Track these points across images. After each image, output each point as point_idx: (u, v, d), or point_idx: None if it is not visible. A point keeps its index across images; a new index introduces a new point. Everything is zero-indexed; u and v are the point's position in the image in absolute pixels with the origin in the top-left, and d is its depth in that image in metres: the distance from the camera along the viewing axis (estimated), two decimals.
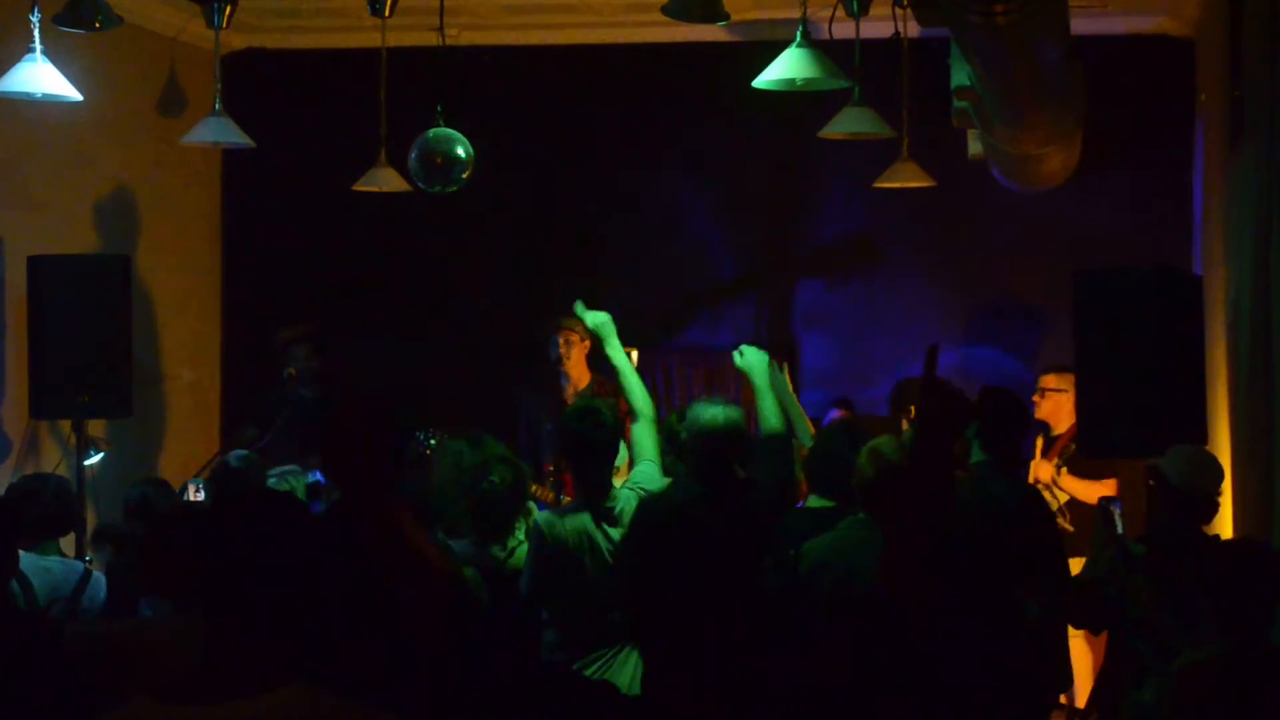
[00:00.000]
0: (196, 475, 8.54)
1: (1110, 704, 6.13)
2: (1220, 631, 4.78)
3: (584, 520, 5.95)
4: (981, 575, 5.59)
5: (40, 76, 7.18)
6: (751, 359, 6.68)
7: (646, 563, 5.81)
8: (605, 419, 6.02)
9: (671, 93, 10.65)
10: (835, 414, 9.40)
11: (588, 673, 5.82)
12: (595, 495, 5.99)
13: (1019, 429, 7.06)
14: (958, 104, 7.81)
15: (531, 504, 6.85)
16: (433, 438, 8.42)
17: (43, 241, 8.67)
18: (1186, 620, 5.48)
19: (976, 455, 6.97)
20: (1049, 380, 8.97)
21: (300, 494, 6.90)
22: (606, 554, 5.91)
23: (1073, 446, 8.62)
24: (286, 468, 7.18)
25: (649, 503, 5.95)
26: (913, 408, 9.31)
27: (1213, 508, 5.93)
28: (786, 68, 7.14)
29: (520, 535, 6.33)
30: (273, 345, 9.18)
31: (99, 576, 6.35)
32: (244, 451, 6.53)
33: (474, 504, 6.25)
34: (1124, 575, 5.85)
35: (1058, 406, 8.85)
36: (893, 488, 5.71)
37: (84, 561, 6.80)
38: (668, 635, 4.50)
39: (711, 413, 5.95)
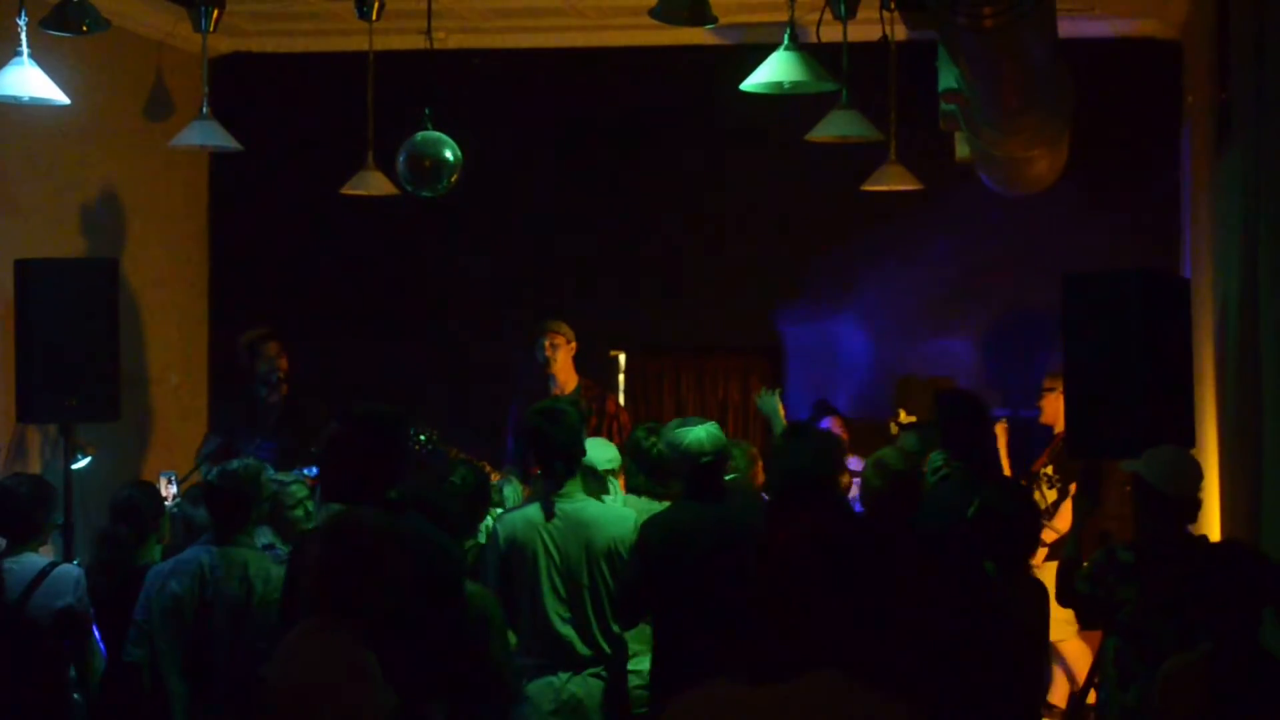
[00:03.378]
0: (184, 477, 8.54)
1: (1097, 706, 6.13)
2: (1208, 634, 4.78)
3: (532, 511, 6.08)
4: (974, 576, 5.62)
5: (27, 80, 7.17)
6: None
7: (662, 579, 5.87)
8: (569, 419, 6.08)
9: (659, 96, 10.64)
10: (827, 423, 9.39)
11: (528, 688, 5.92)
12: (551, 489, 6.08)
13: (980, 429, 7.04)
14: (945, 107, 7.81)
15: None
16: (422, 434, 8.44)
17: (30, 245, 8.65)
18: (1175, 624, 5.49)
19: (933, 464, 6.96)
20: (1046, 382, 8.99)
21: (304, 498, 6.86)
22: (554, 549, 6.00)
23: (1061, 446, 8.65)
24: (288, 475, 7.15)
25: (653, 524, 5.99)
26: (901, 411, 9.34)
27: (1195, 507, 5.93)
28: (774, 70, 7.14)
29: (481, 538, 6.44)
30: (236, 349, 9.15)
31: (63, 572, 6.29)
32: (237, 464, 6.48)
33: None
34: (1111, 581, 5.85)
35: (1050, 406, 8.88)
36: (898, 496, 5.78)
37: (73, 563, 6.78)
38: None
39: (695, 434, 5.98)
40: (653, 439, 6.57)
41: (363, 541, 4.40)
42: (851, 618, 2.79)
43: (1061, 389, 8.71)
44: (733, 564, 5.53)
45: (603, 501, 6.31)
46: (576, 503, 6.07)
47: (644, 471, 6.68)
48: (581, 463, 6.20)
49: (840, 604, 2.78)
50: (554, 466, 6.09)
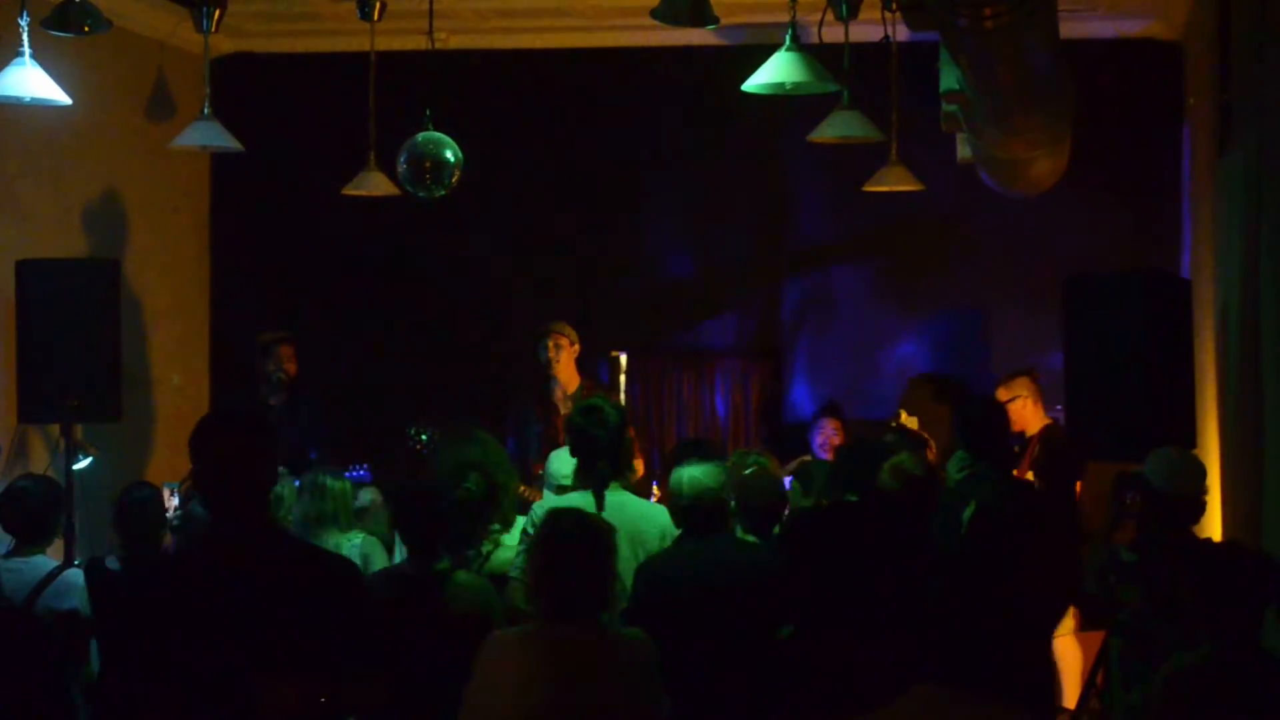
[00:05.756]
0: (181, 480, 8.53)
1: (1100, 707, 6.13)
2: (1209, 636, 4.78)
3: (582, 500, 6.02)
4: (987, 579, 5.61)
5: (29, 81, 7.17)
6: None
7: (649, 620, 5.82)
8: (608, 416, 6.21)
9: (661, 96, 10.65)
10: (825, 425, 9.37)
11: None
12: (599, 487, 6.10)
13: (1003, 431, 7.07)
14: (947, 108, 7.80)
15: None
16: (424, 433, 8.45)
17: (31, 246, 8.65)
18: (1177, 625, 5.49)
19: (960, 463, 6.97)
20: (1000, 394, 8.88)
21: (290, 499, 6.88)
22: None
23: (1038, 449, 8.64)
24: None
25: (652, 565, 5.91)
26: (902, 412, 9.34)
27: (1199, 509, 5.93)
28: (776, 71, 7.14)
29: (502, 541, 6.40)
30: (253, 348, 9.24)
31: (71, 576, 6.30)
32: None
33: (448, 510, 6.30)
34: (1114, 582, 5.86)
35: (1018, 414, 8.83)
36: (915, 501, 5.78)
37: (75, 564, 6.78)
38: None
39: (692, 474, 5.92)
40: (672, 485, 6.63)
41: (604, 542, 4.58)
42: (934, 625, 2.73)
43: (1027, 395, 8.79)
44: (732, 603, 5.55)
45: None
46: (619, 495, 6.13)
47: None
48: (627, 462, 6.30)
49: (922, 613, 2.73)
50: (597, 465, 6.13)
